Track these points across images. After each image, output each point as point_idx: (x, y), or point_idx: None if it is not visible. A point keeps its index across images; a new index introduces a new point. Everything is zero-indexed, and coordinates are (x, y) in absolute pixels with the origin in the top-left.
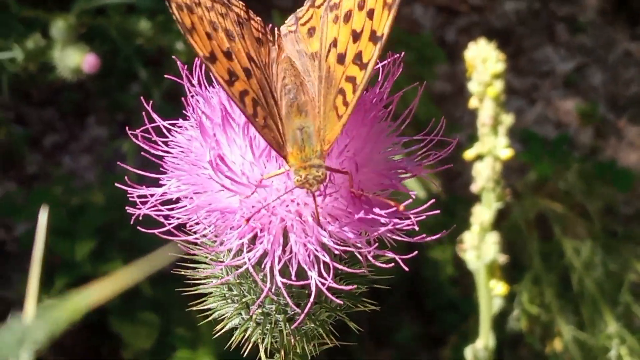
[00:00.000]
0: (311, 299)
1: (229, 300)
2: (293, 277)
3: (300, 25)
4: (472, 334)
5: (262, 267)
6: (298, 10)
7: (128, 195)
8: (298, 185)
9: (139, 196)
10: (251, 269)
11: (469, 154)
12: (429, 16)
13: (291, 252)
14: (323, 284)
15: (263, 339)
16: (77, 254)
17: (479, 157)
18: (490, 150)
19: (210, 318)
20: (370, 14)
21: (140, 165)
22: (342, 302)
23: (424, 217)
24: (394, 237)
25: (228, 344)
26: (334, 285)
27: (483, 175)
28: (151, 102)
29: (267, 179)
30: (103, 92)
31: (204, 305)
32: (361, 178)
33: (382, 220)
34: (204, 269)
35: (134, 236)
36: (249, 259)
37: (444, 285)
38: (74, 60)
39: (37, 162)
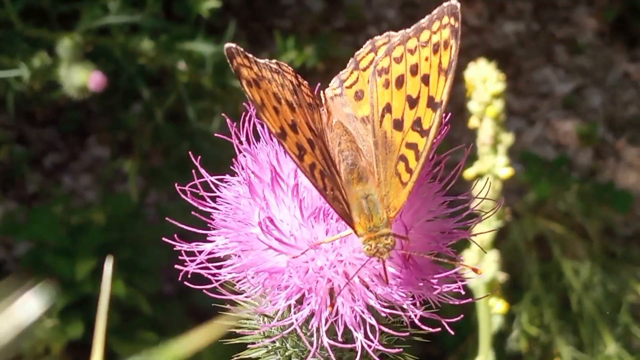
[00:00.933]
0: (358, 357)
1: (272, 353)
2: (340, 339)
3: (346, 88)
4: (471, 355)
5: (310, 327)
6: (341, 72)
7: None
8: (369, 255)
9: (186, 252)
10: (299, 330)
11: (468, 173)
12: None
13: (337, 313)
14: (369, 346)
15: None
16: (78, 273)
17: (479, 176)
18: (490, 169)
19: None
20: (426, 80)
21: (182, 218)
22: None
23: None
24: (441, 300)
25: None
26: (380, 347)
27: (485, 194)
28: (199, 157)
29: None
30: (105, 112)
31: (247, 354)
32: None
33: (432, 284)
34: (247, 319)
35: (134, 256)
36: (297, 320)
37: (442, 306)
38: (80, 78)
39: (37, 182)
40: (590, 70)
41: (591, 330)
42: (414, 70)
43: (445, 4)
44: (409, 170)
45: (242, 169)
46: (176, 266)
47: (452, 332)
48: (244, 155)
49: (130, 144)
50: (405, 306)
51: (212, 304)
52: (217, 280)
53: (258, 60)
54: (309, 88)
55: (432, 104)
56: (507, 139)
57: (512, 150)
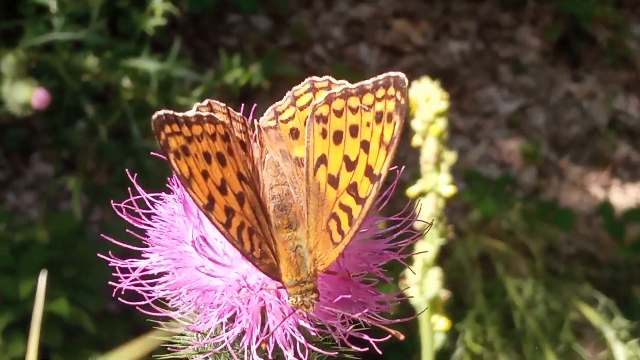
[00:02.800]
0: None
1: None
2: (270, 357)
3: (281, 122)
4: None
5: (241, 344)
6: (277, 103)
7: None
8: (293, 306)
9: (120, 269)
10: (230, 347)
11: (412, 191)
12: (374, 56)
13: (268, 330)
14: None
15: None
16: (21, 291)
17: (422, 194)
18: (433, 187)
19: None
20: (366, 147)
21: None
22: None
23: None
24: (370, 321)
25: None
26: None
27: (426, 212)
28: (135, 175)
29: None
30: (48, 129)
31: None
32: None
33: (361, 305)
34: (181, 335)
35: (78, 274)
36: (227, 337)
37: (387, 325)
38: (24, 95)
39: None
40: (533, 89)
41: (534, 348)
42: (354, 132)
43: (392, 75)
44: (341, 232)
45: (177, 186)
46: (110, 283)
47: (380, 352)
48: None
49: (74, 161)
50: (335, 326)
51: (147, 320)
52: (150, 297)
53: (187, 115)
54: (243, 120)
55: (370, 173)
56: (450, 157)
57: (456, 168)
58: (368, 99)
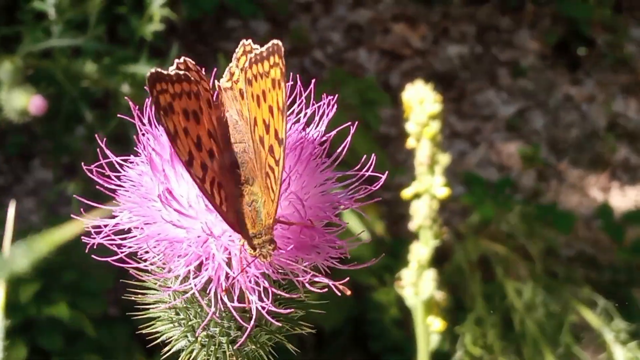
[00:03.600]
0: (252, 322)
1: (176, 324)
2: (235, 301)
3: (234, 83)
4: None
5: (207, 292)
6: (230, 65)
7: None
8: (253, 256)
9: (93, 227)
10: (197, 294)
11: (406, 193)
12: (373, 60)
13: (233, 277)
14: (263, 308)
15: None
16: (21, 296)
17: (417, 196)
18: (428, 189)
19: (158, 341)
20: (271, 111)
21: (93, 199)
22: (281, 325)
23: (355, 246)
24: (328, 264)
25: None
26: (273, 308)
27: (420, 214)
28: (104, 139)
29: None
30: (48, 135)
31: (152, 329)
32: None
33: (318, 250)
34: (152, 294)
35: (79, 278)
36: (195, 285)
37: (388, 328)
38: (21, 102)
39: None
40: (532, 92)
41: (533, 351)
42: (264, 96)
43: (273, 43)
44: (272, 190)
45: (144, 148)
46: (83, 239)
47: (339, 293)
48: (145, 136)
49: (74, 166)
50: (296, 272)
51: (120, 280)
52: (122, 252)
53: (169, 74)
54: (207, 82)
55: (277, 137)
56: (444, 159)
57: (455, 172)
58: (266, 66)
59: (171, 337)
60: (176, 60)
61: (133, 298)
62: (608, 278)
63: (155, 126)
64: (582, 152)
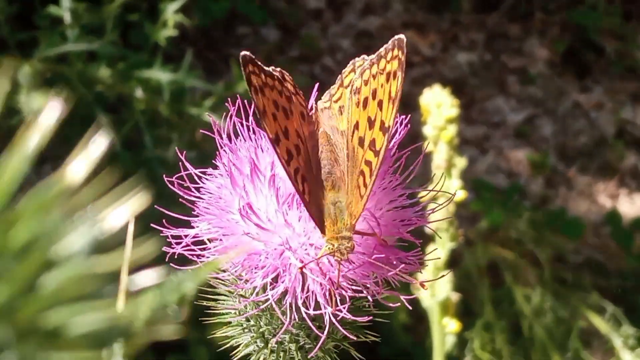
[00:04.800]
0: (325, 331)
1: (247, 330)
2: (311, 313)
3: (333, 102)
4: None
5: (283, 303)
6: (331, 87)
7: (162, 235)
8: (329, 253)
9: (173, 237)
10: (274, 305)
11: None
12: None
13: (309, 290)
14: (335, 317)
15: None
16: None
17: (434, 199)
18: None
19: (227, 346)
20: (380, 105)
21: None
22: (347, 334)
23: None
24: (399, 278)
25: None
26: (346, 315)
27: (437, 216)
28: (184, 152)
29: (291, 223)
30: (61, 139)
31: (222, 333)
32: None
33: (392, 264)
34: (224, 301)
35: None
36: (272, 296)
37: (397, 332)
38: (39, 104)
39: None
40: (541, 100)
41: (542, 356)
42: (374, 94)
43: (395, 37)
44: (365, 185)
45: (224, 164)
46: (164, 248)
47: (409, 307)
48: (225, 151)
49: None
50: (368, 285)
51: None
52: (201, 261)
53: (264, 67)
54: (303, 98)
55: (383, 128)
56: (461, 162)
57: (465, 178)
58: (382, 64)
59: (241, 342)
60: (272, 68)
61: (205, 303)
62: (616, 284)
63: (235, 142)
64: (590, 159)
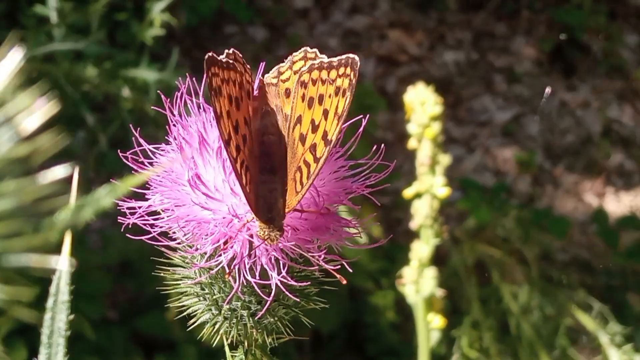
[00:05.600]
0: (271, 296)
1: (201, 299)
2: (257, 277)
3: (281, 81)
4: None
5: (231, 268)
6: (280, 65)
7: (118, 207)
8: (260, 237)
9: (128, 208)
10: (225, 266)
11: (408, 193)
12: (370, 66)
13: (255, 255)
14: (281, 282)
15: (229, 332)
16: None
17: (418, 196)
18: (428, 189)
19: (184, 314)
20: (325, 114)
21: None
22: (297, 299)
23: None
24: (340, 243)
25: (199, 336)
26: (291, 282)
27: (421, 213)
28: (138, 129)
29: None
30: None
31: (179, 303)
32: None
33: (332, 232)
34: (180, 273)
35: (78, 281)
36: (221, 262)
37: (384, 331)
38: (25, 103)
39: None
40: (528, 98)
41: (529, 353)
42: (320, 100)
43: (350, 56)
44: (302, 183)
45: (174, 138)
46: (119, 219)
47: (350, 270)
48: (176, 126)
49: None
50: (311, 251)
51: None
52: (154, 231)
53: (222, 60)
54: (250, 76)
55: (325, 138)
56: (445, 159)
57: (451, 177)
58: (332, 74)
59: (196, 310)
60: (226, 51)
61: (162, 274)
62: (603, 282)
63: (186, 118)
64: (577, 157)
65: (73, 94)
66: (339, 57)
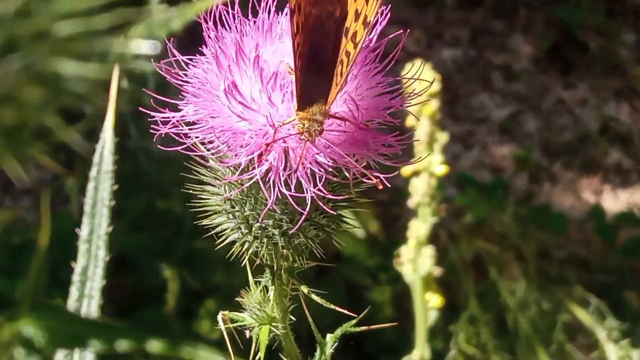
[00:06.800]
0: (307, 209)
1: (231, 216)
2: (293, 190)
3: None
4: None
5: (267, 179)
6: None
7: (150, 119)
8: (299, 131)
9: (162, 119)
10: (259, 180)
11: (405, 170)
12: None
13: (290, 168)
14: (317, 195)
15: (259, 252)
16: (17, 292)
17: (416, 174)
18: (426, 167)
19: (213, 232)
20: (367, 0)
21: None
22: (332, 212)
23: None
24: (379, 160)
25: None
26: (328, 195)
27: (419, 191)
28: (172, 39)
29: (277, 113)
30: (46, 134)
31: (210, 221)
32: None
33: (369, 147)
34: (209, 189)
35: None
36: (258, 173)
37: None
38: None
39: None
40: (525, 96)
41: (526, 349)
42: None
43: None
44: (341, 74)
45: (210, 49)
46: (151, 129)
47: (388, 185)
48: (210, 37)
49: (72, 164)
50: (349, 167)
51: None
52: (189, 140)
53: None
54: None
55: (365, 22)
56: (443, 137)
57: (449, 174)
58: None
59: (226, 229)
60: None
61: (191, 192)
62: (600, 279)
63: (223, 27)
64: (574, 155)
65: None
66: None
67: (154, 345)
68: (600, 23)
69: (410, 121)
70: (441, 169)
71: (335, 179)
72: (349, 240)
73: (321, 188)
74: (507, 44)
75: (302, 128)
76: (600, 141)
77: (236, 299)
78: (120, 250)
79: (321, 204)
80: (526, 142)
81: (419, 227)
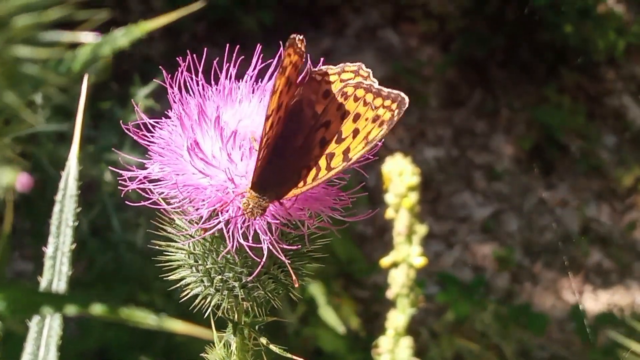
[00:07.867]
0: (263, 259)
1: (194, 270)
2: (250, 241)
3: (324, 81)
4: None
5: (228, 230)
6: (331, 66)
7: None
8: (243, 207)
9: (129, 178)
10: (224, 228)
11: (385, 262)
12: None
13: (249, 220)
14: (272, 245)
15: (220, 304)
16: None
17: (395, 265)
18: (405, 258)
19: (177, 285)
20: (355, 133)
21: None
22: (286, 261)
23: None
24: (331, 214)
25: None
26: (283, 245)
27: (398, 282)
28: (139, 104)
29: (234, 163)
30: (28, 226)
31: (172, 273)
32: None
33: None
34: (174, 245)
35: None
36: (221, 221)
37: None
38: (8, 179)
39: None
40: (507, 196)
41: None
42: (356, 118)
43: (400, 94)
44: (305, 181)
45: (174, 112)
46: (120, 187)
47: (339, 236)
48: (175, 101)
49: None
50: (303, 220)
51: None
52: (153, 196)
53: (301, 47)
54: (302, 62)
55: (346, 154)
56: (422, 229)
57: (430, 272)
58: (378, 101)
59: (189, 282)
60: (297, 36)
61: (157, 248)
62: None
63: (187, 92)
64: (555, 255)
65: (56, 176)
66: (389, 89)
67: (97, 309)
68: (581, 125)
69: (389, 214)
70: (419, 261)
71: (294, 231)
72: (330, 336)
73: (276, 238)
74: (489, 144)
75: (246, 206)
76: (581, 242)
77: (200, 354)
78: (100, 345)
79: (277, 253)
80: (507, 242)
81: (397, 318)
